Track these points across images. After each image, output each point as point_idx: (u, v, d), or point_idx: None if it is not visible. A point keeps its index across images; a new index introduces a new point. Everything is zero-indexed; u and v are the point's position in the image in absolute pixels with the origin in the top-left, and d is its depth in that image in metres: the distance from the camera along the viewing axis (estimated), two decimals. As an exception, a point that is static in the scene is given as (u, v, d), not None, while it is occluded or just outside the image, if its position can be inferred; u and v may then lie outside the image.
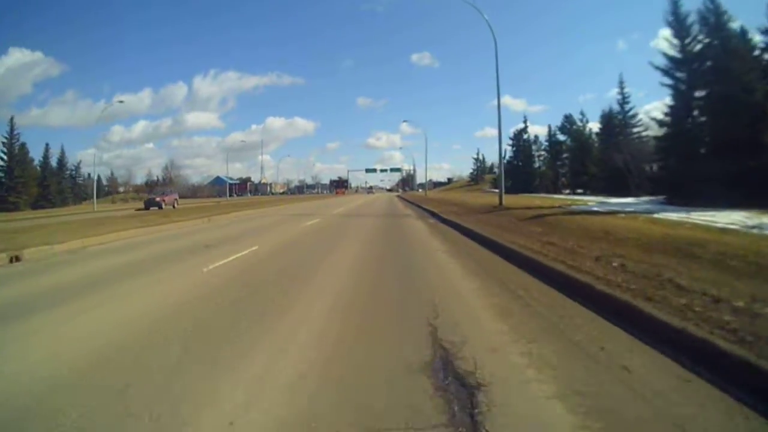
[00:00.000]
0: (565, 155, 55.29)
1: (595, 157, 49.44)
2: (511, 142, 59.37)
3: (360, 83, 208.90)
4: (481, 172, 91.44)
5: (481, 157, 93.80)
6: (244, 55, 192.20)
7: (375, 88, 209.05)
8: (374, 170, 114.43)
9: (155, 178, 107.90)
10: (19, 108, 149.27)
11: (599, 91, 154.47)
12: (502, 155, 21.54)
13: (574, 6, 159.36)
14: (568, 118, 55.81)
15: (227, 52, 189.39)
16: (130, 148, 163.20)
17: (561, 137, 55.95)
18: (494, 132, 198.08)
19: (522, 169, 56.31)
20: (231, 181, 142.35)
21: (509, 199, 21.97)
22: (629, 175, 37.39)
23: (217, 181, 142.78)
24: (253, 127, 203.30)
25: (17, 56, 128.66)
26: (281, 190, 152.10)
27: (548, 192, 52.25)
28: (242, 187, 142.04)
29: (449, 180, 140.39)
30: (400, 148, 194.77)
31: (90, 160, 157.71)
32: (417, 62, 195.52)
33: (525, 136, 58.63)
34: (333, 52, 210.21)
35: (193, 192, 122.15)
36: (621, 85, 44.31)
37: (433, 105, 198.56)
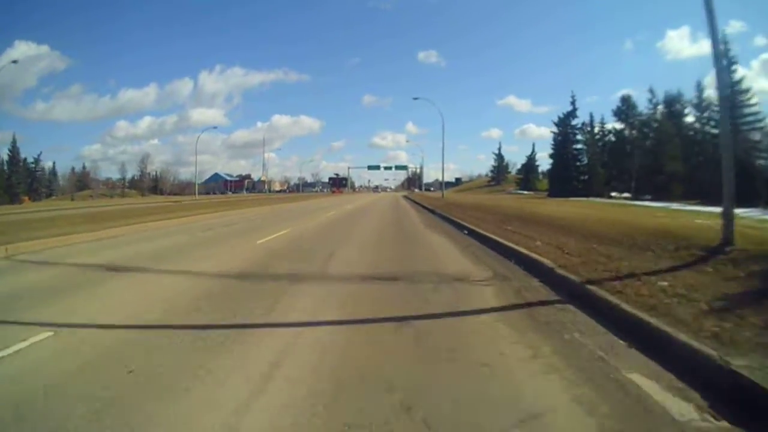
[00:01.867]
0: (621, 149, 42.63)
1: (674, 151, 36.77)
2: (554, 131, 46.22)
3: (366, 81, 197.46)
4: (501, 171, 78.91)
5: (501, 154, 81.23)
6: (250, 51, 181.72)
7: (381, 86, 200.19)
8: (377, 167, 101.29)
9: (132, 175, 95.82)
10: (23, 102, 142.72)
11: (604, 93, 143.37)
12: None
13: (583, 6, 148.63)
14: (626, 101, 43.05)
15: (233, 48, 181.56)
16: (135, 144, 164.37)
17: (616, 125, 43.11)
18: (500, 133, 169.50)
19: (568, 165, 43.08)
20: (229, 178, 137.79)
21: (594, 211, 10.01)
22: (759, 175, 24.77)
23: (215, 177, 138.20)
24: (259, 124, 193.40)
25: (23, 49, 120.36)
26: (279, 188, 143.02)
27: (598, 195, 39.89)
28: (239, 184, 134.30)
29: (458, 180, 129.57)
30: (407, 141, 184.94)
31: (94, 155, 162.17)
32: (424, 60, 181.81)
33: (573, 122, 45.12)
34: (339, 49, 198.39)
35: (181, 189, 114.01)
36: (725, 45, 30.17)
37: (439, 104, 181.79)
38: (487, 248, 7.92)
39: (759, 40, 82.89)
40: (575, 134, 43.90)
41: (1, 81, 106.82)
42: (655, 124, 37.98)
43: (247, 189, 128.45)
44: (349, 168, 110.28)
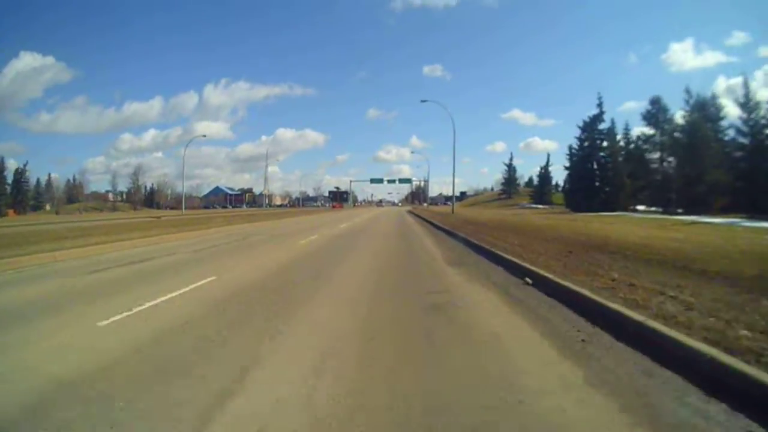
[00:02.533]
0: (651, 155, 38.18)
1: (715, 158, 32.27)
2: (579, 138, 41.74)
3: (371, 95, 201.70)
4: (512, 183, 74.50)
5: (512, 165, 76.43)
6: (256, 66, 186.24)
7: (386, 100, 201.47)
8: (380, 181, 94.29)
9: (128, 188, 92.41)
10: (28, 113, 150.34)
11: (608, 106, 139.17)
12: None
13: (586, 18, 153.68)
14: (656, 103, 38.67)
15: (239, 62, 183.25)
16: (140, 156, 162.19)
17: (645, 130, 38.62)
18: (504, 147, 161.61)
19: (592, 176, 38.54)
20: (231, 192, 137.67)
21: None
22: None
23: (216, 191, 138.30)
24: (263, 138, 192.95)
25: (28, 60, 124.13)
26: (280, 203, 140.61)
27: (623, 209, 35.32)
28: (239, 198, 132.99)
29: (463, 194, 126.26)
30: (412, 152, 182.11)
31: (97, 168, 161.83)
32: (429, 74, 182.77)
33: (600, 126, 40.51)
34: (345, 64, 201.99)
35: (178, 202, 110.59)
36: None
37: (444, 118, 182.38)
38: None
39: (763, 51, 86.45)
40: (602, 140, 39.24)
41: (5, 91, 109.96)
42: (691, 128, 33.44)
43: (247, 203, 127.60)
44: (351, 182, 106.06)
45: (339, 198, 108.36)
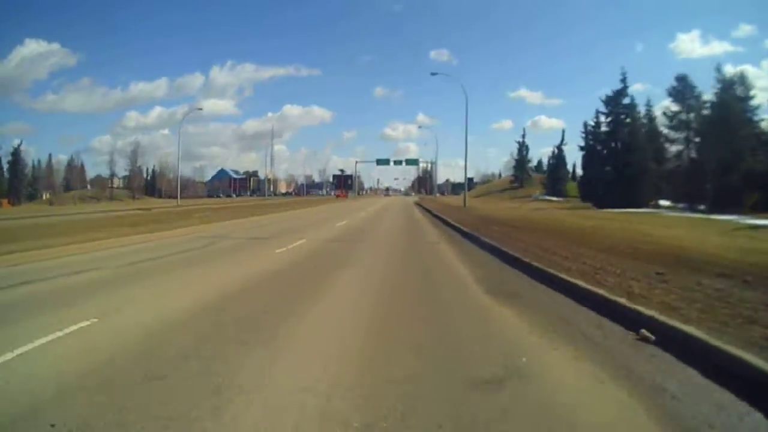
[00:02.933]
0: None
1: (748, 141, 29.27)
2: (599, 115, 37.76)
3: (377, 77, 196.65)
4: (521, 167, 68.02)
5: (525, 143, 68.65)
6: (262, 47, 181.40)
7: (391, 80, 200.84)
8: (387, 162, 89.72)
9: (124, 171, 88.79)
10: (34, 94, 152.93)
11: (616, 86, 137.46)
12: None
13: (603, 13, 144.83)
14: (681, 80, 35.13)
15: (244, 44, 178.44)
16: (146, 133, 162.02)
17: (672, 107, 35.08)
18: (511, 124, 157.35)
19: (617, 163, 35.07)
20: (236, 176, 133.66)
21: None
22: None
23: (221, 174, 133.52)
24: (270, 114, 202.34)
25: (33, 47, 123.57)
26: (285, 190, 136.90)
27: (646, 204, 32.18)
28: (243, 184, 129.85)
29: (471, 180, 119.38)
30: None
31: (103, 148, 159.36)
32: (435, 58, 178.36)
33: (625, 101, 35.99)
34: (351, 47, 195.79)
35: (182, 189, 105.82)
36: None
37: (451, 94, 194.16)
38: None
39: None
40: (626, 116, 35.43)
41: (12, 75, 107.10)
42: (721, 105, 30.26)
43: (253, 191, 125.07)
44: (356, 162, 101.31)
45: (343, 184, 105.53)
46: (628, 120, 34.24)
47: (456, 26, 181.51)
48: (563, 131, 67.02)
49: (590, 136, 53.31)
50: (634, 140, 33.42)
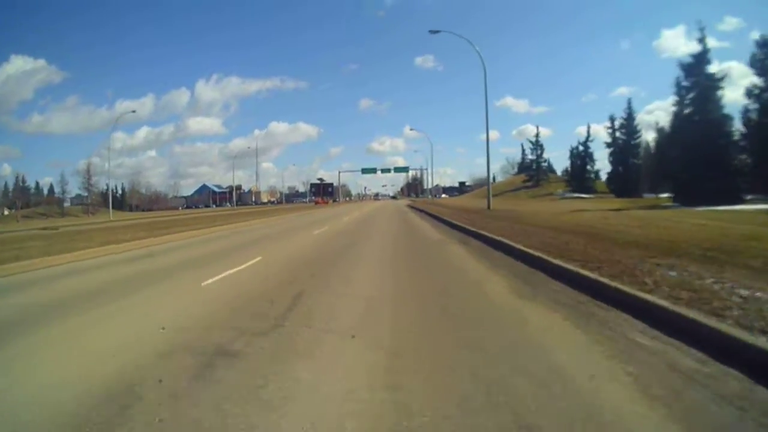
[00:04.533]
0: None
1: None
2: (680, 89, 25.95)
3: (363, 86, 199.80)
4: (537, 167, 60.68)
5: (539, 142, 61.19)
6: (247, 60, 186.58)
7: (378, 91, 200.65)
8: (373, 170, 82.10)
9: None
10: (20, 115, 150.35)
11: (601, 92, 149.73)
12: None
13: (584, 11, 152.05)
14: (765, 46, 25.30)
15: (230, 57, 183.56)
16: (132, 156, 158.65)
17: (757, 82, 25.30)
18: (497, 135, 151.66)
19: (707, 148, 23.65)
20: (218, 190, 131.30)
21: None
22: None
23: (202, 189, 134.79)
24: (256, 132, 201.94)
25: (19, 64, 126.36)
26: (268, 200, 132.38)
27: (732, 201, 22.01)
28: (224, 196, 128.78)
29: (462, 184, 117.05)
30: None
31: (92, 170, 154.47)
32: (421, 65, 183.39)
33: (707, 69, 24.62)
34: (336, 56, 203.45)
35: (151, 203, 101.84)
36: None
37: (437, 108, 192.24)
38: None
39: (756, 35, 77.65)
40: (720, 86, 24.59)
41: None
42: None
43: (235, 202, 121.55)
44: (339, 172, 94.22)
45: (323, 192, 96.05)
46: (719, 92, 23.84)
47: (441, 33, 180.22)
48: (588, 127, 59.88)
49: (622, 130, 44.71)
50: (722, 123, 23.47)
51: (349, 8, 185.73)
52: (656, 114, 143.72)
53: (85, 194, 77.24)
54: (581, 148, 49.61)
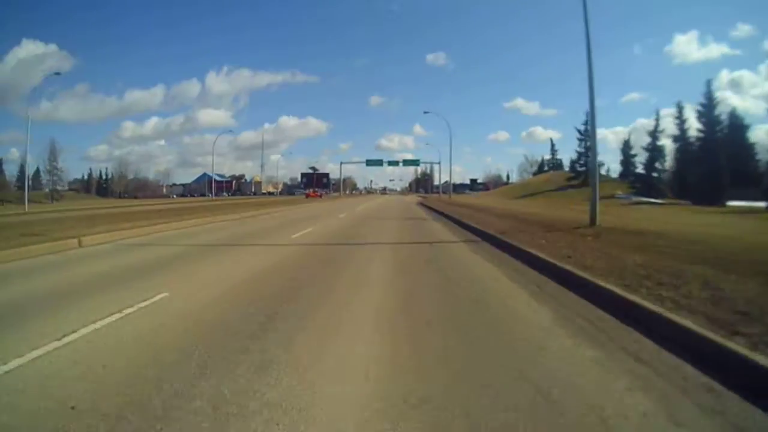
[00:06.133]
0: None
1: None
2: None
3: (374, 82, 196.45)
4: (591, 161, 48.44)
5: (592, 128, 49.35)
6: (258, 53, 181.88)
7: (389, 88, 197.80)
8: (379, 163, 71.19)
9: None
10: (30, 101, 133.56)
11: (612, 97, 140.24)
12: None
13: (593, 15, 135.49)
14: None
15: (240, 49, 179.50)
16: (142, 144, 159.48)
17: None
18: (507, 136, 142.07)
19: None
20: (220, 179, 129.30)
21: None
22: None
23: (202, 177, 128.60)
24: (266, 125, 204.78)
25: (31, 48, 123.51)
26: (269, 190, 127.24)
27: None
28: (229, 185, 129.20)
29: (474, 181, 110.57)
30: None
31: (100, 156, 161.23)
32: (432, 62, 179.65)
33: None
34: (348, 50, 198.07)
35: (136, 190, 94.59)
36: None
37: (446, 105, 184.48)
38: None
39: None
40: None
41: (7, 80, 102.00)
42: None
43: (234, 192, 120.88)
44: (341, 163, 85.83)
45: (315, 183, 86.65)
46: None
47: (454, 31, 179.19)
48: (657, 114, 45.33)
49: (702, 120, 34.73)
50: None
51: (361, 2, 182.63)
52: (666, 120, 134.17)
53: (55, 179, 68.56)
54: (651, 141, 38.71)
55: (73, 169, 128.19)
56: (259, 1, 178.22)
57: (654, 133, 37.83)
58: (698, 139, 34.79)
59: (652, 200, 30.56)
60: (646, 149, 38.56)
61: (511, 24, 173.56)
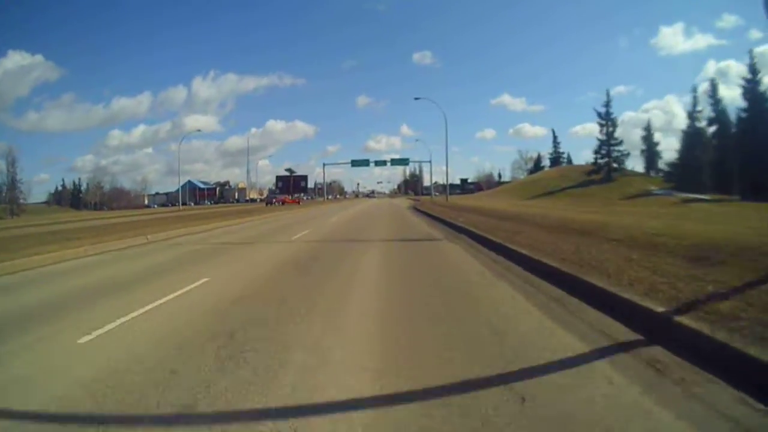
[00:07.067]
0: None
1: None
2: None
3: (361, 83, 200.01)
4: (607, 152, 43.15)
5: (611, 115, 44.37)
6: (244, 57, 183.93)
7: (376, 89, 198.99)
8: (365, 163, 67.15)
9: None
10: (17, 112, 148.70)
11: (601, 90, 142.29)
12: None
13: (578, 8, 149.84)
14: None
15: (227, 54, 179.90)
16: (129, 153, 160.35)
17: None
18: (493, 134, 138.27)
19: None
20: (204, 187, 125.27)
21: None
22: None
23: (188, 185, 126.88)
24: (253, 130, 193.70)
25: (17, 59, 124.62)
26: (252, 197, 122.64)
27: None
28: (211, 193, 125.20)
29: (465, 181, 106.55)
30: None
31: (87, 167, 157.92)
32: (419, 62, 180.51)
33: None
34: (334, 52, 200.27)
35: (110, 200, 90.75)
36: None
37: (434, 105, 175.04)
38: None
39: (754, 34, 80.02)
40: None
41: None
42: None
43: (217, 200, 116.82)
44: (324, 165, 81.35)
45: (291, 187, 79.44)
46: None
47: (440, 30, 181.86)
48: (694, 95, 36.31)
49: (747, 96, 29.17)
50: None
51: (347, 2, 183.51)
52: (653, 113, 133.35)
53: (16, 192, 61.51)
54: (688, 129, 32.64)
55: (60, 180, 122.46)
56: (245, 4, 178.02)
57: (692, 113, 31.91)
58: (741, 120, 29.27)
59: (699, 196, 24.96)
60: (686, 133, 32.44)
61: (496, 19, 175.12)
